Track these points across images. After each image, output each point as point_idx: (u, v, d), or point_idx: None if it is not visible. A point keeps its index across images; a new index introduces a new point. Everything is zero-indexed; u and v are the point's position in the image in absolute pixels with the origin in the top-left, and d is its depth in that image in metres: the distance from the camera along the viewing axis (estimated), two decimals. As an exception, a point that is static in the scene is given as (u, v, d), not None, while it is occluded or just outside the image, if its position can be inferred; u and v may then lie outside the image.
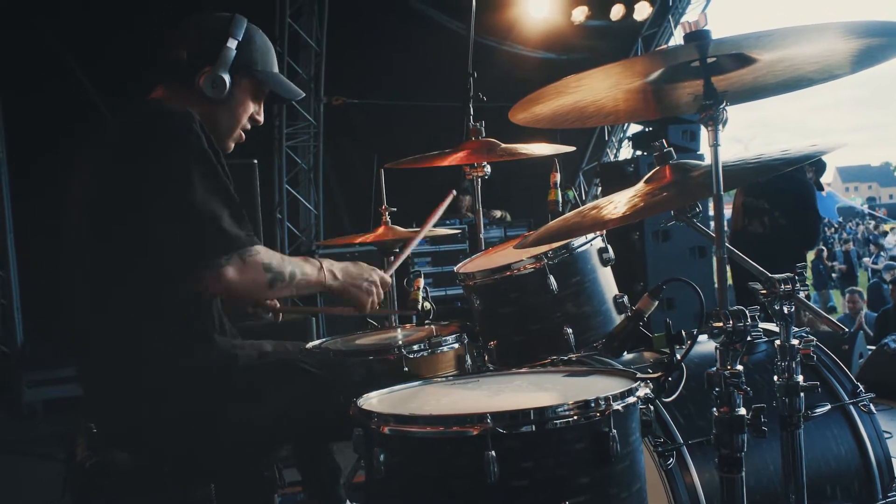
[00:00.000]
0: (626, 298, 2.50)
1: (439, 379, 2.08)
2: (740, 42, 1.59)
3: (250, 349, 2.25)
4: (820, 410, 1.93)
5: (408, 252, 2.76)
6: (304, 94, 2.40)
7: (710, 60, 1.68)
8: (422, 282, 2.92)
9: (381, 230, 3.25)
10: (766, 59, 1.68)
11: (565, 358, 2.32)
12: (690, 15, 9.72)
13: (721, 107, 1.71)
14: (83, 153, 2.08)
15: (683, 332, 1.90)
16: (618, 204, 1.89)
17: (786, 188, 6.04)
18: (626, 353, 2.31)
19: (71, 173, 2.09)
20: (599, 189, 9.14)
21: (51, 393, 6.20)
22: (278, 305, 2.44)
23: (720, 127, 1.72)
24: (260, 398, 2.04)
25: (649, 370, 1.87)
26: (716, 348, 1.66)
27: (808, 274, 13.91)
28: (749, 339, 1.64)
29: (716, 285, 1.78)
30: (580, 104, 1.87)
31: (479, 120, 3.14)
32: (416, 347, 2.46)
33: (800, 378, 1.80)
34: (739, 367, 1.64)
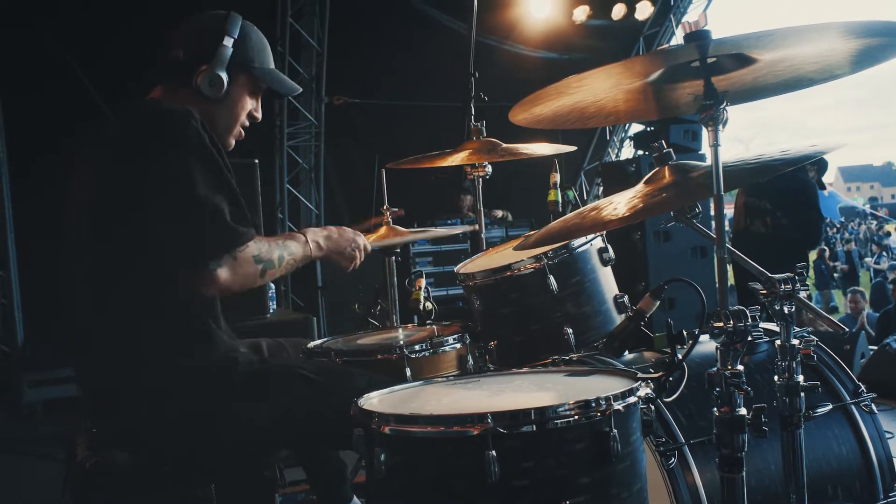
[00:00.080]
0: (626, 298, 2.50)
1: (440, 379, 2.08)
2: (741, 42, 1.59)
3: (249, 349, 2.25)
4: (821, 410, 1.93)
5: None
6: (301, 90, 2.41)
7: (710, 60, 1.68)
8: (423, 282, 2.92)
9: (382, 230, 3.24)
10: (766, 59, 1.68)
11: (566, 358, 2.32)
12: (691, 15, 9.72)
13: (721, 107, 1.71)
14: (83, 153, 2.08)
15: (684, 332, 1.90)
16: (617, 205, 1.89)
17: (788, 188, 6.04)
18: (627, 352, 2.31)
19: (71, 173, 2.09)
20: (601, 189, 9.14)
21: (51, 393, 6.20)
22: None
23: (720, 127, 1.72)
24: (260, 401, 2.04)
25: (650, 370, 1.87)
26: (717, 348, 1.65)
27: (811, 274, 13.91)
28: (750, 339, 1.64)
29: (717, 285, 1.78)
30: (581, 104, 1.87)
31: (481, 120, 3.14)
32: (417, 347, 2.46)
33: (800, 378, 1.80)
34: (740, 367, 1.64)
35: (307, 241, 2.18)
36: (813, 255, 14.33)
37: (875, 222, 27.09)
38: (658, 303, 2.21)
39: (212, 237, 1.92)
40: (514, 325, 2.46)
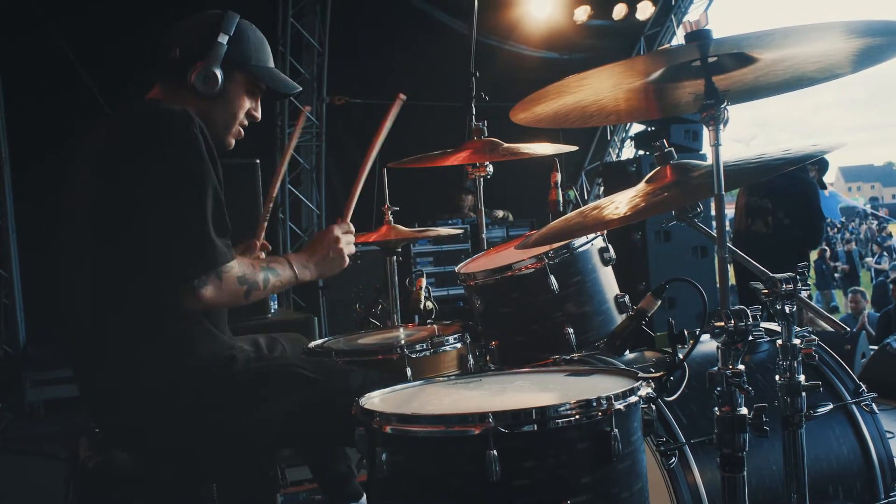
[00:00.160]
0: (627, 298, 2.50)
1: (441, 378, 2.08)
2: (741, 42, 1.59)
3: (248, 347, 2.25)
4: (822, 410, 1.93)
5: (361, 184, 2.58)
6: (301, 89, 2.39)
7: (711, 60, 1.68)
8: (424, 281, 2.92)
9: (383, 229, 3.25)
10: (767, 59, 1.68)
11: (567, 357, 2.32)
12: (692, 14, 9.71)
13: (722, 106, 1.72)
14: (83, 153, 2.08)
15: (685, 332, 1.90)
16: (619, 204, 1.90)
17: (789, 188, 6.04)
18: (627, 352, 2.31)
19: (71, 173, 2.09)
20: (602, 189, 9.14)
21: (53, 393, 6.20)
22: None
23: (721, 126, 1.72)
24: (260, 399, 2.04)
25: (651, 369, 1.87)
26: (718, 348, 1.66)
27: (812, 273, 13.90)
28: (751, 338, 1.64)
29: (717, 285, 1.78)
30: (582, 104, 1.87)
31: (482, 119, 3.14)
32: (418, 347, 2.46)
33: (801, 377, 1.80)
34: (741, 367, 1.64)
35: (291, 264, 2.15)
36: (814, 255, 14.31)
37: (876, 222, 27.07)
38: (659, 302, 2.21)
39: (193, 254, 1.91)
40: (515, 325, 2.47)
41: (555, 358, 2.34)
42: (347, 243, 2.29)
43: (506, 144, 2.96)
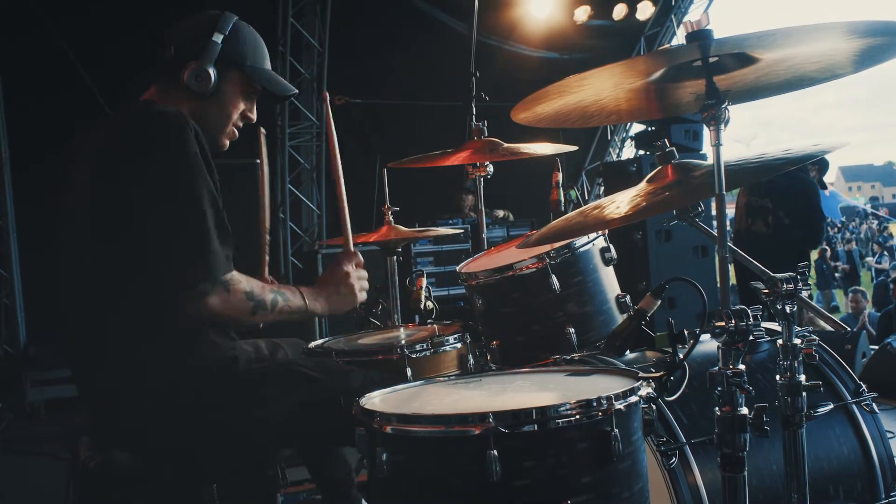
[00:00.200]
0: (628, 298, 2.50)
1: (441, 378, 2.08)
2: (742, 42, 1.59)
3: (249, 348, 2.25)
4: (822, 410, 1.93)
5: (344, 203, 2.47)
6: (298, 92, 2.38)
7: (712, 60, 1.68)
8: (424, 281, 2.92)
9: (383, 229, 3.25)
10: (767, 59, 1.68)
11: (568, 357, 2.32)
12: (693, 14, 9.71)
13: (723, 106, 1.71)
14: (82, 153, 2.07)
15: (686, 332, 1.90)
16: (620, 204, 1.89)
17: (789, 187, 6.04)
18: (628, 352, 2.31)
19: (70, 173, 2.09)
20: (602, 189, 9.14)
21: (54, 393, 6.21)
22: None
23: (722, 126, 1.72)
24: (260, 399, 2.04)
25: (652, 369, 1.87)
26: (718, 347, 1.65)
27: (812, 273, 13.90)
28: (751, 338, 1.64)
29: (718, 285, 1.78)
30: (582, 104, 1.87)
31: (482, 119, 3.14)
32: (418, 347, 2.46)
33: (802, 377, 1.80)
34: (742, 367, 1.64)
35: (302, 294, 2.13)
36: (814, 255, 14.32)
37: (876, 222, 27.07)
38: (659, 302, 2.21)
39: (191, 257, 1.90)
40: (515, 325, 2.47)
41: (555, 358, 2.34)
42: (359, 278, 2.25)
43: (506, 144, 2.96)
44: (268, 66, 2.25)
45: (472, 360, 2.59)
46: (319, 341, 2.75)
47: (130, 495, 2.00)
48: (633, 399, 1.62)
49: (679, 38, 8.40)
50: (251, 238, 2.52)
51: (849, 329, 6.82)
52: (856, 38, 1.59)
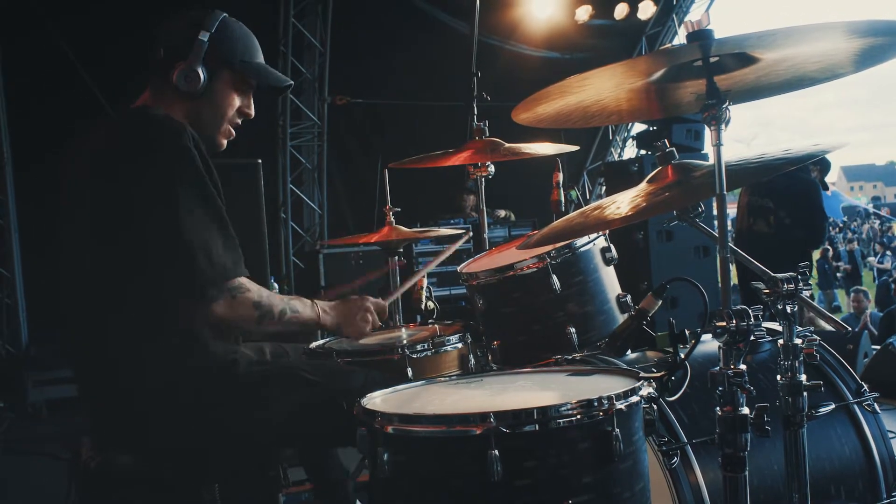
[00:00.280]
0: (629, 298, 2.49)
1: (442, 378, 2.08)
2: (743, 41, 1.59)
3: (250, 351, 2.25)
4: (824, 410, 1.93)
5: (411, 283, 2.73)
6: (292, 82, 2.36)
7: (712, 60, 1.68)
8: (425, 281, 2.92)
9: (385, 230, 3.25)
10: (768, 59, 1.68)
11: (569, 357, 2.32)
12: (694, 14, 9.71)
13: (724, 106, 1.71)
14: (82, 153, 2.07)
15: (687, 332, 1.90)
16: (621, 204, 1.89)
17: (791, 187, 6.03)
18: (629, 352, 2.31)
19: (71, 173, 2.09)
20: (604, 188, 9.14)
21: (55, 392, 6.21)
22: None
23: (723, 126, 1.72)
24: (261, 400, 2.05)
25: (653, 369, 1.87)
26: (719, 347, 1.65)
27: (814, 273, 13.90)
28: (752, 338, 1.64)
29: (719, 285, 1.78)
30: (584, 104, 1.87)
31: (483, 119, 3.14)
32: (419, 347, 2.46)
33: (803, 377, 1.80)
34: (743, 367, 1.64)
35: (314, 303, 2.15)
36: (816, 255, 14.31)
37: (878, 222, 27.03)
38: (660, 302, 2.21)
39: (199, 273, 1.90)
40: (516, 325, 2.46)
41: (556, 358, 2.34)
42: (375, 320, 2.31)
43: (507, 144, 2.96)
44: (260, 59, 2.22)
45: (473, 360, 2.60)
46: (321, 341, 2.75)
47: (131, 495, 2.00)
48: (635, 399, 1.62)
49: (681, 37, 8.40)
50: (251, 238, 2.53)
51: (850, 329, 6.81)
52: (856, 37, 1.59)
